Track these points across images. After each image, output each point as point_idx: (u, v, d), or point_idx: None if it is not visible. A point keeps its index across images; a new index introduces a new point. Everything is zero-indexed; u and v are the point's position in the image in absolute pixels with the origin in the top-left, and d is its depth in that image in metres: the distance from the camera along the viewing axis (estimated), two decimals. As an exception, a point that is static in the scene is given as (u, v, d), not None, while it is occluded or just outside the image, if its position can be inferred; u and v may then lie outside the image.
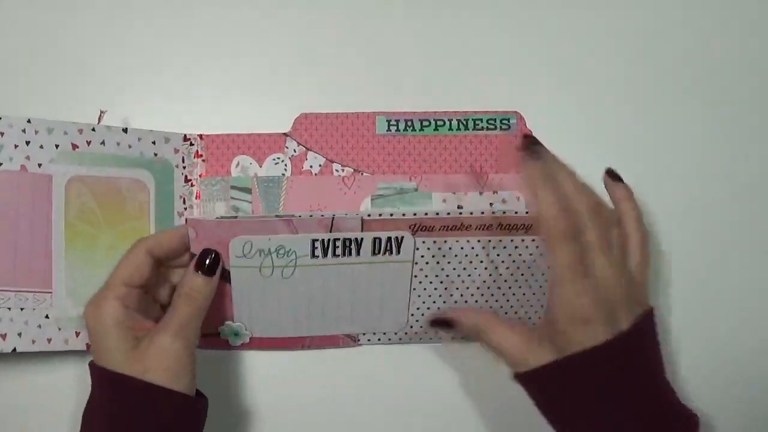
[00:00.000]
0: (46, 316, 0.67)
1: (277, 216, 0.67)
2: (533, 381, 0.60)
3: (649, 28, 0.78)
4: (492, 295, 0.73)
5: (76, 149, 0.69)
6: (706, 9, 0.79)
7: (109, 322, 0.61)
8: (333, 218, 0.67)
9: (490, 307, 0.73)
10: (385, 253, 0.69)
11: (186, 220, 0.68)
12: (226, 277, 0.68)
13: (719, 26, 0.79)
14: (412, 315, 0.73)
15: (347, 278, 0.70)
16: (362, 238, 0.68)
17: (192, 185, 0.75)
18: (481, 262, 0.71)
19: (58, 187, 0.68)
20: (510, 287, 0.73)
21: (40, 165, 0.68)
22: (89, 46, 0.76)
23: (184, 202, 0.74)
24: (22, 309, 0.66)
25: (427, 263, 0.71)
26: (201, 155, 0.74)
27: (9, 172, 0.66)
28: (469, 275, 0.72)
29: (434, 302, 0.73)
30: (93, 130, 0.70)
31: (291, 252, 0.68)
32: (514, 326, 0.63)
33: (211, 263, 0.65)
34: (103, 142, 0.71)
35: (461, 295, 0.73)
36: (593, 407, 0.57)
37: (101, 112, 0.72)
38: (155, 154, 0.73)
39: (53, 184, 0.68)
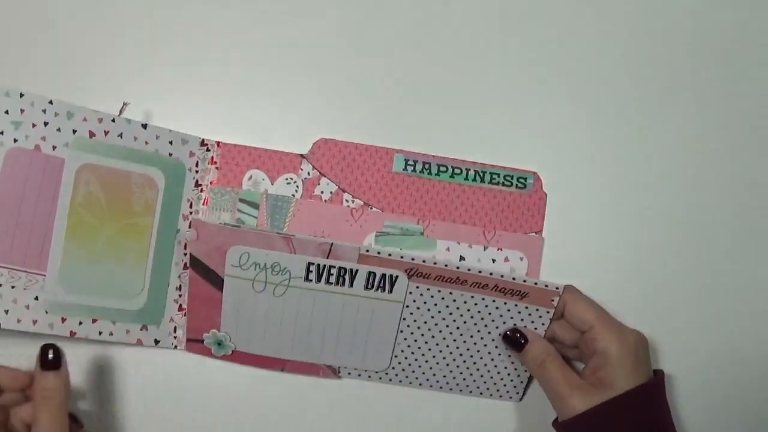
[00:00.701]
0: (36, 298, 0.67)
1: (278, 233, 0.68)
2: (579, 424, 0.66)
3: (670, 89, 0.78)
4: (477, 350, 0.74)
5: (93, 137, 0.69)
6: (731, 71, 0.79)
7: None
8: (332, 245, 0.68)
9: (467, 360, 0.74)
10: (377, 290, 0.70)
11: (190, 222, 0.70)
12: (219, 285, 0.70)
13: (743, 92, 0.79)
14: (396, 357, 0.73)
15: (337, 309, 0.71)
16: (357, 270, 0.69)
17: (201, 191, 0.75)
18: (472, 317, 0.72)
19: (68, 171, 0.68)
20: (496, 346, 0.74)
21: (54, 147, 0.68)
22: (122, 37, 0.75)
23: (190, 206, 0.74)
24: (12, 287, 0.66)
25: (418, 308, 0.71)
26: (215, 162, 0.74)
27: (22, 149, 0.66)
28: (458, 328, 0.72)
29: (419, 348, 0.73)
30: (113, 121, 0.70)
31: (286, 271, 0.69)
32: (570, 369, 0.69)
33: (54, 356, 0.61)
34: (120, 135, 0.71)
35: (447, 346, 0.73)
36: None
37: (124, 104, 0.72)
38: (170, 154, 0.73)
39: (65, 168, 0.68)
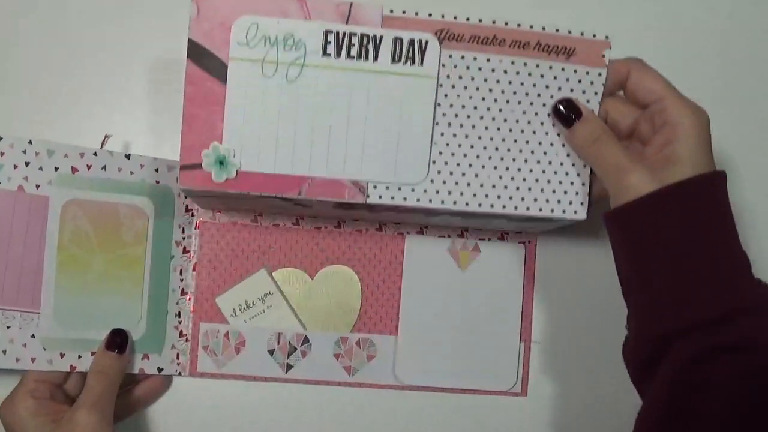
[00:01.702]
0: (32, 336, 0.68)
1: None
2: (637, 211, 0.58)
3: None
4: (525, 141, 0.64)
5: (76, 173, 0.70)
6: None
7: (23, 414, 0.65)
8: (351, 5, 0.60)
9: (516, 159, 0.64)
10: (406, 62, 0.60)
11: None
12: (222, 76, 0.60)
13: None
14: (434, 163, 0.62)
15: (361, 95, 0.61)
16: (382, 37, 0.60)
17: (192, 215, 0.75)
18: (515, 93, 0.63)
19: (54, 209, 0.69)
20: (546, 132, 0.64)
21: (38, 186, 0.69)
22: (95, 70, 0.76)
23: (182, 231, 0.74)
24: (8, 327, 0.67)
25: (453, 87, 0.62)
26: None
27: (6, 191, 0.67)
28: (501, 110, 0.63)
29: (459, 146, 0.62)
30: (95, 154, 0.71)
31: (300, 44, 0.60)
32: (626, 148, 0.61)
33: (121, 342, 0.70)
34: (104, 167, 0.71)
35: (490, 138, 0.63)
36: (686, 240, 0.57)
37: (105, 136, 0.72)
38: (157, 182, 0.73)
39: (50, 206, 0.69)
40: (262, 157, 0.60)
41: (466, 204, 0.63)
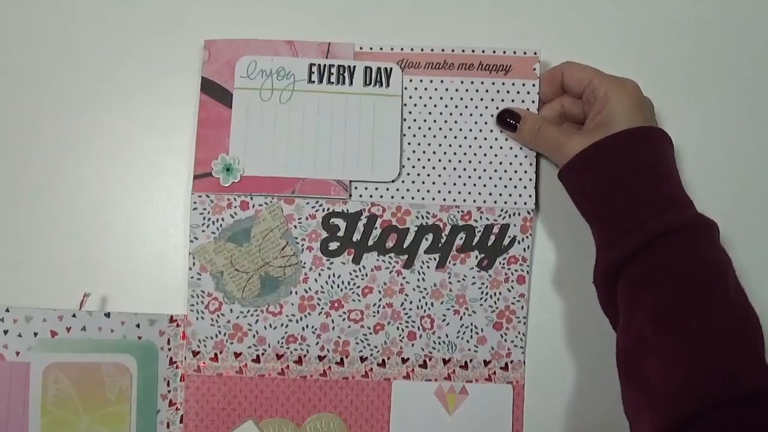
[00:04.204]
0: (19, 506, 0.69)
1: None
2: (575, 165, 0.68)
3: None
4: (479, 146, 0.76)
5: (55, 336, 0.71)
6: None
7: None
8: (329, 44, 0.75)
9: (472, 161, 0.76)
10: (375, 85, 0.75)
11: (205, 42, 0.75)
12: (228, 102, 0.74)
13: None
14: (404, 166, 0.75)
15: (340, 111, 0.74)
16: (355, 66, 0.75)
17: (177, 367, 0.74)
18: (466, 106, 0.75)
19: (35, 374, 0.69)
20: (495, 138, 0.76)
21: (18, 353, 0.69)
22: (71, 229, 0.76)
23: (168, 385, 0.74)
24: (-7, 497, 0.68)
25: (415, 105, 0.75)
26: (187, 336, 0.74)
27: (-14, 359, 0.69)
28: (456, 122, 0.75)
29: (424, 152, 0.75)
30: (74, 316, 0.71)
31: (290, 74, 0.75)
32: (563, 128, 0.72)
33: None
34: (83, 328, 0.71)
35: (449, 145, 0.76)
36: (628, 182, 0.66)
37: (85, 295, 0.73)
38: (139, 337, 0.73)
39: (31, 372, 0.69)
40: (261, 163, 0.74)
41: (433, 199, 0.75)
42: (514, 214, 0.75)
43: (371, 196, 0.75)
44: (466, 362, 0.76)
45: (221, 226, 0.73)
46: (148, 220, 0.76)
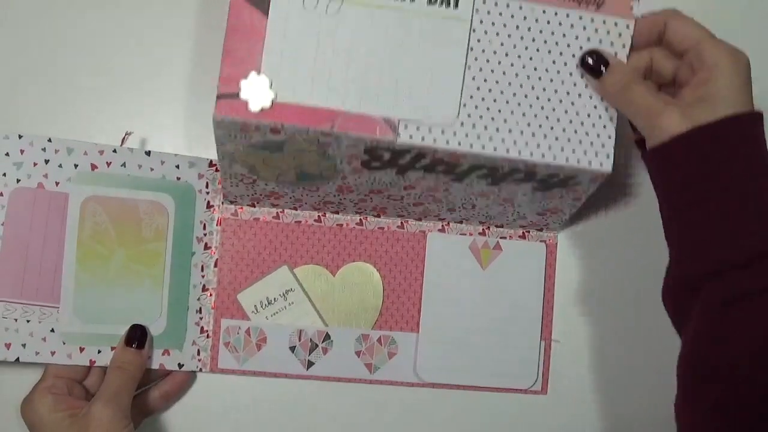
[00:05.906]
0: (52, 330, 0.69)
1: None
2: (673, 151, 0.59)
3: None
4: (554, 90, 0.64)
5: (95, 170, 0.71)
6: None
7: (41, 410, 0.65)
8: None
9: (545, 107, 0.64)
10: (442, 5, 0.61)
11: None
12: (264, 7, 0.60)
13: None
14: (464, 106, 0.62)
15: (397, 32, 0.61)
16: None
17: (213, 211, 0.74)
18: (545, 41, 0.63)
19: (73, 205, 0.70)
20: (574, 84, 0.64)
21: (57, 183, 0.70)
22: (116, 67, 0.76)
23: (204, 228, 0.74)
24: (28, 321, 0.68)
25: (485, 32, 0.62)
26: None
27: (26, 188, 0.69)
28: (531, 59, 0.63)
29: (490, 91, 0.63)
30: (114, 151, 0.71)
31: None
32: (656, 90, 0.62)
33: (140, 337, 0.70)
34: (124, 164, 0.72)
35: (520, 86, 0.63)
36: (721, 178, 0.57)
37: (126, 133, 0.73)
38: (178, 178, 0.73)
39: (69, 203, 0.70)
40: (297, 88, 0.60)
41: (495, 149, 0.62)
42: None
43: (423, 139, 0.61)
44: (502, 223, 0.77)
45: (250, 141, 0.63)
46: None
